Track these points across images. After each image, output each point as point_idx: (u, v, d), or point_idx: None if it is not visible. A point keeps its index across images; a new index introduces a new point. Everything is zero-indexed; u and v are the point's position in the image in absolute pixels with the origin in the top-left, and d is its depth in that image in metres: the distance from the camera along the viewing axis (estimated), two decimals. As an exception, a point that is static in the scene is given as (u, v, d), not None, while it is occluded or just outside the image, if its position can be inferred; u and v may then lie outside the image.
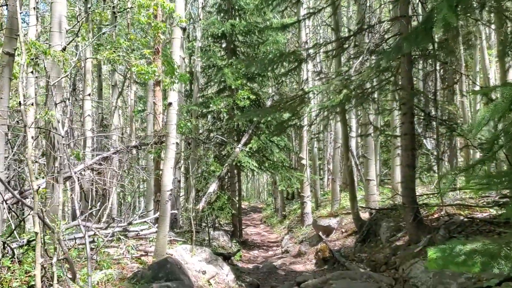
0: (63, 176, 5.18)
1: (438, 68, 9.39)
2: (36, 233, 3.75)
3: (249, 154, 14.17)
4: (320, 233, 12.00)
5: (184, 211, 13.04)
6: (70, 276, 4.96)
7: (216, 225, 15.19)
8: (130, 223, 8.81)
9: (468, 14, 5.60)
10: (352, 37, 9.06)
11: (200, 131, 16.68)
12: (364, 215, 10.89)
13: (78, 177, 7.27)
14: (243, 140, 14.43)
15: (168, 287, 5.80)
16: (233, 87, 14.12)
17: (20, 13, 4.15)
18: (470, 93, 11.09)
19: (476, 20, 6.80)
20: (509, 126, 2.98)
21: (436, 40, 8.05)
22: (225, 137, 15.33)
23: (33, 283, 4.92)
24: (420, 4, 8.70)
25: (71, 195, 8.68)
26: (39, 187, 4.36)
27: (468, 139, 8.11)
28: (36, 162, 8.66)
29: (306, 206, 15.50)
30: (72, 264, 4.91)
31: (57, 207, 5.28)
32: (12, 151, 7.46)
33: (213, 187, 13.48)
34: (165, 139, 7.62)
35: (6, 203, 5.62)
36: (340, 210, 13.73)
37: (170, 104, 7.32)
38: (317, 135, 18.94)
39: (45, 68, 5.85)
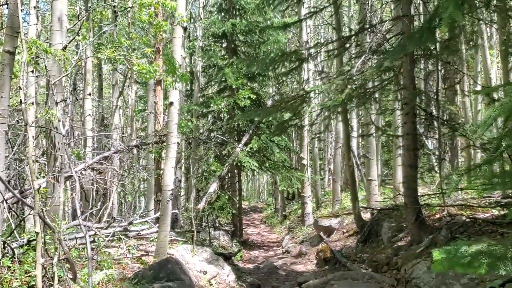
0: (64, 176, 5.14)
1: (439, 68, 9.36)
2: (37, 233, 3.72)
3: (250, 154, 14.14)
4: (321, 234, 11.97)
5: (184, 211, 13.00)
6: (71, 276, 4.93)
7: (217, 225, 15.16)
8: (130, 223, 8.78)
9: (472, 13, 5.55)
10: (353, 37, 9.02)
11: (201, 131, 16.65)
12: (366, 215, 10.86)
13: (79, 177, 7.24)
14: (244, 140, 14.40)
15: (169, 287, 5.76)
16: (233, 86, 14.09)
17: (22, 10, 4.12)
18: (472, 93, 11.05)
19: (479, 19, 6.77)
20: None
21: (438, 39, 8.01)
22: (226, 137, 15.30)
23: (33, 283, 4.89)
24: (422, 3, 8.66)
25: (72, 194, 8.64)
26: (40, 187, 4.33)
27: (470, 139, 8.07)
28: (37, 161, 8.62)
29: (307, 206, 15.46)
30: (73, 264, 4.87)
31: (58, 207, 5.25)
32: (13, 150, 7.43)
33: (213, 187, 13.45)
34: (166, 139, 7.59)
35: (7, 203, 5.59)
36: (341, 211, 13.69)
37: (171, 103, 7.29)
38: (318, 135, 18.91)
39: (45, 67, 5.82)
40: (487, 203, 8.40)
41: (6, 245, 5.53)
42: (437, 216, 8.37)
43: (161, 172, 9.69)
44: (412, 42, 4.52)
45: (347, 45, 9.33)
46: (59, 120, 5.43)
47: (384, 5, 10.97)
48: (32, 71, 9.56)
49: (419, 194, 8.07)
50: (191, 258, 7.91)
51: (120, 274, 6.22)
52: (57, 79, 5.39)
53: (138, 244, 8.12)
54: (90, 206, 9.28)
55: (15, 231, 6.29)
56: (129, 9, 12.72)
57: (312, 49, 9.29)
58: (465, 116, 13.30)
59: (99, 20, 11.68)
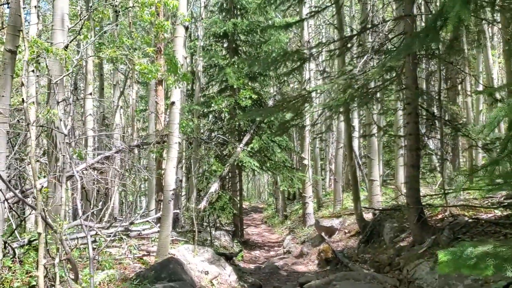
0: (65, 175, 5.12)
1: (441, 67, 9.33)
2: (39, 234, 3.69)
3: (251, 154, 14.11)
4: (323, 234, 11.93)
5: (185, 211, 12.98)
6: (72, 277, 4.90)
7: (218, 225, 15.13)
8: (132, 223, 8.76)
9: (477, 13, 5.52)
10: (356, 36, 8.99)
11: (202, 131, 16.63)
12: (367, 216, 10.82)
13: (81, 176, 7.21)
14: (245, 140, 14.37)
15: (171, 288, 5.74)
16: (235, 86, 14.07)
17: (24, 8, 4.09)
18: (475, 93, 11.01)
19: (482, 19, 6.74)
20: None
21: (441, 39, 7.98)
22: (227, 136, 15.28)
23: (34, 283, 4.87)
24: (424, 3, 8.62)
25: (73, 194, 8.62)
26: (42, 187, 4.30)
27: (473, 139, 8.04)
28: (38, 161, 8.59)
29: (308, 207, 15.43)
30: (74, 264, 4.85)
31: (59, 207, 5.23)
32: (13, 150, 7.40)
33: (214, 186, 13.43)
34: (168, 139, 7.56)
35: (7, 202, 5.57)
36: (342, 211, 13.66)
37: (173, 103, 7.26)
38: (319, 135, 18.87)
39: (47, 66, 5.79)
40: (489, 204, 8.36)
41: (7, 245, 5.51)
42: (439, 216, 8.34)
43: (162, 172, 9.66)
44: (417, 41, 4.49)
45: (349, 45, 9.29)
46: (61, 120, 5.40)
47: (386, 5, 10.94)
48: (33, 71, 9.55)
49: (421, 194, 8.04)
50: (192, 258, 7.89)
51: (121, 274, 6.20)
52: (58, 78, 5.36)
53: (139, 244, 8.10)
54: (92, 206, 9.25)
55: (16, 231, 6.27)
56: (130, 8, 12.70)
57: (314, 48, 9.26)
58: (467, 116, 13.27)
59: (100, 19, 11.66)
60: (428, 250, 7.02)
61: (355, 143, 15.06)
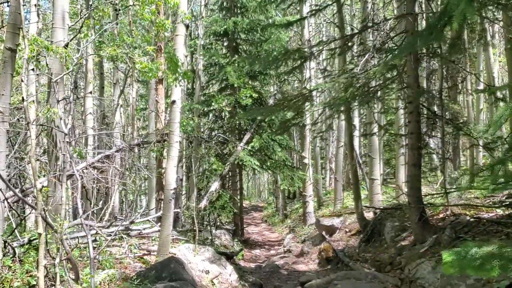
0: (65, 175, 5.09)
1: (443, 66, 9.29)
2: (40, 234, 3.65)
3: (251, 153, 14.08)
4: (323, 233, 11.90)
5: (186, 210, 12.95)
6: (73, 277, 4.88)
7: (218, 224, 15.12)
8: (132, 222, 8.73)
9: (481, 11, 5.48)
10: (357, 35, 8.96)
11: (202, 130, 16.59)
12: (368, 215, 10.79)
13: (81, 175, 7.18)
14: (245, 138, 14.34)
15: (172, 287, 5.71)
16: (235, 85, 14.03)
17: (23, 5, 4.06)
18: (477, 92, 10.98)
19: (485, 17, 6.71)
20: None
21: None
22: (227, 135, 15.25)
23: (34, 282, 4.84)
24: (426, 1, 8.59)
25: (73, 193, 8.59)
26: (43, 186, 4.27)
27: (475, 138, 8.01)
28: (38, 160, 8.56)
29: (309, 206, 15.41)
30: (75, 264, 4.82)
31: (59, 206, 5.20)
32: (13, 149, 7.37)
33: (215, 185, 13.40)
34: (168, 137, 7.53)
35: (7, 202, 5.54)
36: (343, 210, 13.64)
37: (173, 102, 7.22)
38: (320, 134, 18.85)
39: (47, 64, 5.76)
40: (491, 203, 8.35)
41: (7, 244, 5.48)
42: (441, 215, 8.32)
43: (163, 170, 9.63)
44: (421, 39, 4.46)
45: (351, 44, 9.26)
46: (61, 119, 5.37)
47: (387, 4, 10.90)
48: (33, 69, 9.51)
49: (422, 193, 8.02)
50: (193, 257, 7.86)
51: (122, 274, 6.17)
52: (59, 77, 5.33)
53: (139, 243, 8.07)
54: (92, 205, 9.22)
55: (16, 230, 6.25)
56: (130, 7, 12.66)
57: (315, 47, 9.22)
58: (468, 115, 13.24)
59: (101, 18, 11.62)
60: (429, 250, 7.00)
61: (355, 142, 15.04)
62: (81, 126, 12.89)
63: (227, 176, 15.33)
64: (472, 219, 7.38)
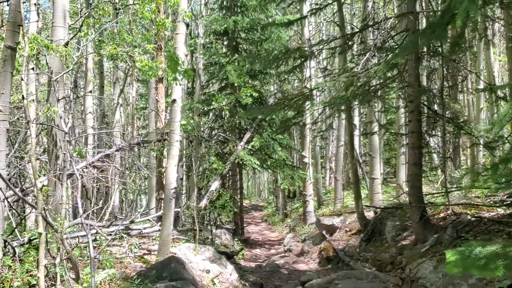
0: (66, 174, 5.06)
1: (443, 65, 9.27)
2: (40, 234, 3.63)
3: (251, 152, 14.07)
4: (324, 232, 11.89)
5: (186, 209, 12.94)
6: (73, 277, 4.85)
7: (218, 223, 15.10)
8: (132, 221, 8.70)
9: (482, 9, 5.47)
10: (358, 34, 8.94)
11: (202, 129, 16.57)
12: (368, 214, 10.78)
13: (81, 175, 7.15)
14: (245, 138, 14.33)
15: (173, 287, 5.69)
16: (235, 84, 14.01)
17: (24, 2, 4.03)
18: (478, 91, 10.95)
19: (486, 16, 6.69)
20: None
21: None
22: (227, 134, 15.23)
23: (34, 282, 4.82)
24: (427, 0, 8.56)
25: (73, 193, 8.57)
26: (43, 185, 4.25)
27: (476, 137, 7.99)
28: (38, 159, 8.54)
29: (309, 205, 15.38)
30: (75, 264, 4.79)
31: (59, 205, 5.17)
32: (13, 148, 7.34)
33: (215, 185, 13.38)
34: (169, 137, 7.50)
35: (8, 201, 5.51)
36: (343, 209, 13.63)
37: (174, 101, 7.19)
38: (321, 133, 18.84)
39: (47, 63, 5.74)
40: (491, 202, 8.33)
41: (7, 243, 5.46)
42: (442, 215, 8.31)
43: (163, 170, 9.61)
44: (424, 37, 4.43)
45: (351, 43, 9.24)
46: (61, 117, 5.34)
47: (387, 2, 10.88)
48: (33, 68, 9.48)
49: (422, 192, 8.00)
50: (193, 257, 7.84)
51: (122, 274, 6.14)
52: (59, 75, 5.30)
53: (140, 243, 8.05)
54: (92, 205, 9.20)
55: (16, 230, 6.22)
56: (130, 6, 12.63)
57: (316, 46, 9.20)
58: (469, 114, 13.23)
59: (100, 16, 11.59)
60: (431, 249, 6.98)
61: (356, 141, 15.03)
62: (81, 125, 12.85)
63: (227, 175, 15.31)
64: (473, 219, 7.36)
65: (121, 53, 6.47)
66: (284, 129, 10.65)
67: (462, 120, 8.97)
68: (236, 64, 14.20)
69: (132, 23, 14.76)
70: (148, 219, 9.35)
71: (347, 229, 11.43)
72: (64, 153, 5.04)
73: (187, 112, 14.29)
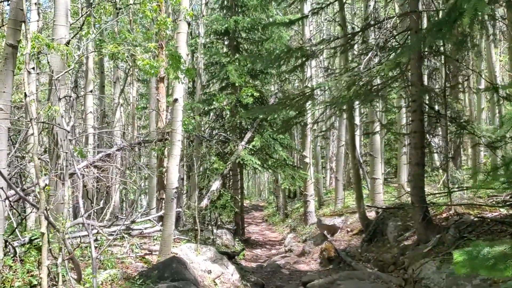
0: (67, 173, 5.03)
1: (446, 65, 9.24)
2: (42, 234, 3.59)
3: (252, 152, 14.03)
4: (325, 232, 11.85)
5: (187, 209, 12.90)
6: (75, 277, 4.82)
7: (219, 223, 15.06)
8: (133, 221, 8.66)
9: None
10: (360, 33, 8.90)
11: (203, 129, 16.54)
12: (370, 214, 10.75)
13: (83, 174, 7.12)
14: (246, 137, 14.29)
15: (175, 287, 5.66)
16: (236, 84, 13.98)
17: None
18: (482, 91, 10.92)
19: (489, 15, 6.66)
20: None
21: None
22: (228, 134, 15.20)
23: (35, 282, 4.78)
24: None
25: (74, 192, 8.53)
26: (46, 185, 4.21)
27: (479, 137, 7.96)
28: (39, 159, 8.49)
29: (310, 205, 15.34)
30: (78, 264, 4.76)
31: (61, 205, 5.14)
32: (14, 148, 7.30)
33: (216, 185, 13.35)
34: (170, 136, 7.46)
35: (9, 200, 5.47)
36: (344, 209, 13.59)
37: (175, 100, 7.16)
38: (322, 133, 18.81)
39: (48, 62, 5.70)
40: (494, 202, 8.31)
41: (8, 243, 5.42)
42: (444, 215, 8.27)
43: (164, 170, 9.57)
44: (429, 36, 4.40)
45: (353, 42, 9.20)
46: (62, 116, 5.31)
47: (389, 2, 10.85)
48: (33, 68, 9.45)
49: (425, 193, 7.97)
50: (195, 257, 7.81)
51: (123, 274, 6.11)
52: (60, 74, 5.27)
53: (141, 243, 8.01)
54: (93, 204, 9.16)
55: (16, 230, 6.18)
56: (130, 6, 12.59)
57: (318, 45, 9.16)
58: (471, 114, 13.19)
59: (101, 15, 11.56)
60: (433, 249, 6.95)
61: (356, 141, 15.00)
62: (81, 125, 12.82)
63: (228, 175, 15.27)
64: (476, 219, 7.34)
65: (122, 52, 6.43)
66: (285, 128, 10.62)
67: (464, 120, 8.94)
68: (237, 63, 14.16)
69: (133, 23, 14.72)
70: (149, 219, 9.31)
71: (349, 229, 11.39)
72: (66, 152, 5.01)
73: (188, 111, 14.25)
